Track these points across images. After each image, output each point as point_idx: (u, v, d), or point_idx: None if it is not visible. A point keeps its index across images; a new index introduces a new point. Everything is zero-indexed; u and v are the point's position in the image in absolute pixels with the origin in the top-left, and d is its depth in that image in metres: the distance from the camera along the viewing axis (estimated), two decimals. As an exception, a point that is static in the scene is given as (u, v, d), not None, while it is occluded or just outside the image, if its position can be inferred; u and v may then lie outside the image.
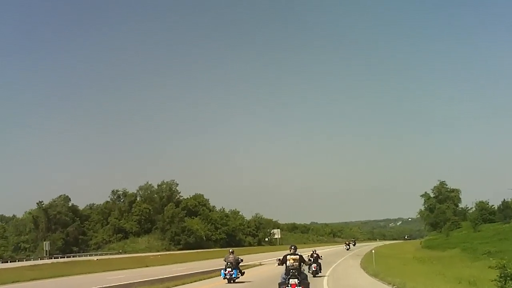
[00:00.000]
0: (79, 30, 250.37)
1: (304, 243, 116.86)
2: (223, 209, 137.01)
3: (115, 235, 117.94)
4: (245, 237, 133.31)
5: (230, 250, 26.24)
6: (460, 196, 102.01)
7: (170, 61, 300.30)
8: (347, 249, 79.71)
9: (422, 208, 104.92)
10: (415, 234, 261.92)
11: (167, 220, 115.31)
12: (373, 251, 36.93)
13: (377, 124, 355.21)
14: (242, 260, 26.30)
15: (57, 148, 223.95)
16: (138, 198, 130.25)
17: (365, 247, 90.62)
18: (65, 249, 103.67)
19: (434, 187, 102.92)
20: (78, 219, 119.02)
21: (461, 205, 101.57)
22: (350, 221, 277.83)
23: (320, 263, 30.28)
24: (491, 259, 33.44)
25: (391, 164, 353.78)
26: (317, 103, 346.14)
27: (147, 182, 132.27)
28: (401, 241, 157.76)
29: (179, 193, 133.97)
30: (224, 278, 24.99)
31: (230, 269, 24.81)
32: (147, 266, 43.84)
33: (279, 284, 15.87)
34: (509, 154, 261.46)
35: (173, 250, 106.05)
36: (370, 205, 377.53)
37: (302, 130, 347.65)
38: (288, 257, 16.04)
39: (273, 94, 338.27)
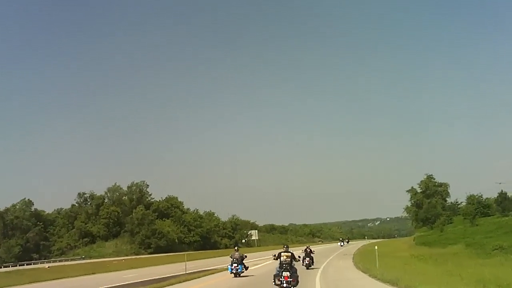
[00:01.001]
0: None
1: (283, 244, 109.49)
2: (197, 210, 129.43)
3: (81, 239, 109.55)
4: (221, 239, 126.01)
5: (235, 248, 29.12)
6: (449, 191, 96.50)
7: (148, 64, 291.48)
8: (341, 245, 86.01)
9: (409, 204, 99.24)
10: (394, 233, 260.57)
11: (137, 222, 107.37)
12: (376, 247, 30.02)
13: (355, 128, 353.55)
14: (246, 257, 28.78)
15: (29, 152, 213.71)
16: (106, 201, 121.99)
17: (349, 246, 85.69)
18: (24, 256, 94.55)
19: (421, 181, 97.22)
20: (41, 224, 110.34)
21: (449, 200, 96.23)
22: (328, 222, 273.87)
23: (312, 257, 32.65)
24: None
25: (369, 166, 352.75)
26: (298, 106, 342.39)
27: (115, 184, 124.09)
28: (386, 239, 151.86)
29: (150, 195, 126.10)
30: (231, 273, 27.61)
31: (236, 265, 27.52)
32: (93, 273, 36.56)
33: (274, 276, 18.68)
34: (490, 150, 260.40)
35: (143, 254, 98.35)
36: (348, 206, 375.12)
37: (281, 132, 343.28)
38: (282, 254, 19.08)
39: (252, 98, 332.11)
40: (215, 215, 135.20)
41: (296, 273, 18.63)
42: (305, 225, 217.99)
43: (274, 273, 18.70)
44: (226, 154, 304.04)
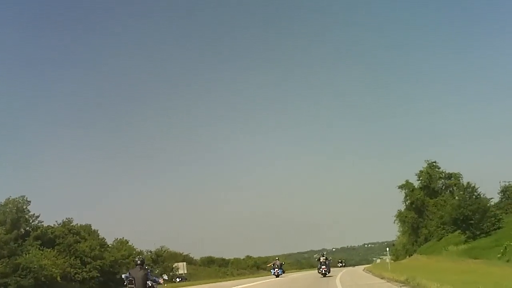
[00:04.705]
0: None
1: (221, 277, 78.99)
2: (98, 235, 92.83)
3: None
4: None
5: (276, 258, 47.10)
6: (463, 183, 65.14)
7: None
8: (340, 266, 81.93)
9: (402, 207, 69.23)
10: (345, 262, 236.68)
11: (-6, 253, 70.22)
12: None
13: (300, 156, 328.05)
14: (284, 263, 47.94)
15: None
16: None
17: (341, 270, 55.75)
18: None
19: (420, 172, 65.85)
20: None
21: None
22: (273, 254, 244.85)
23: (328, 264, 41.36)
24: None
25: (311, 197, 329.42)
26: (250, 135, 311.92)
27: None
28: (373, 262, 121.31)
29: (37, 217, 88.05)
30: (273, 275, 44.69)
31: (277, 269, 44.20)
32: None
33: (317, 268, 38.20)
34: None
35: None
36: (292, 238, 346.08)
37: (224, 164, 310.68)
38: (320, 258, 38.07)
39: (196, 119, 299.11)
40: (130, 243, 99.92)
41: (329, 267, 37.64)
42: (249, 257, 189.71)
43: (317, 266, 38.23)
44: (159, 182, 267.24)
